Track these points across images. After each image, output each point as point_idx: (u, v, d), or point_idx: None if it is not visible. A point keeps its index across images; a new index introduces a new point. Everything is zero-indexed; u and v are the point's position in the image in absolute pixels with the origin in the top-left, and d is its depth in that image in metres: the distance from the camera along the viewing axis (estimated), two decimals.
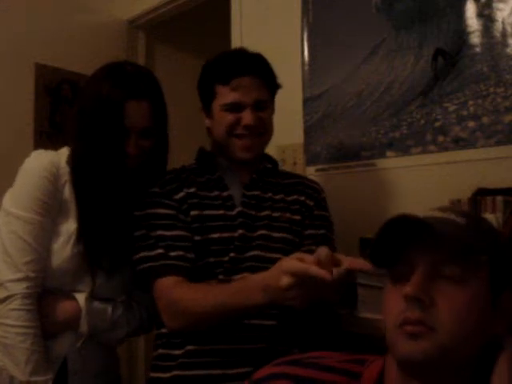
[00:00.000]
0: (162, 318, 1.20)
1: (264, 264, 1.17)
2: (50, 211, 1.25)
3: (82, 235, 1.26)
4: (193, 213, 1.23)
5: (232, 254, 1.21)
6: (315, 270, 0.92)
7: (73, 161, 1.29)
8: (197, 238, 1.21)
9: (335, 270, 0.92)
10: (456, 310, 0.68)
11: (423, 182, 1.52)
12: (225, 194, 1.27)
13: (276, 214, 1.28)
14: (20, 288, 1.21)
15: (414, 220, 0.71)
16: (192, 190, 1.26)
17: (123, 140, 1.24)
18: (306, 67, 1.84)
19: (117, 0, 2.62)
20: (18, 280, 1.22)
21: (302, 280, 0.94)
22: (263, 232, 1.24)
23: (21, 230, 1.24)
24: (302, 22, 1.85)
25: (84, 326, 1.28)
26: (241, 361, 1.17)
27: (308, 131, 1.83)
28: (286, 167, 1.80)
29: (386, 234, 0.74)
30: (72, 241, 1.27)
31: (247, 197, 1.28)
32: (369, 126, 1.65)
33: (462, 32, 1.45)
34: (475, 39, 1.43)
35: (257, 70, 1.27)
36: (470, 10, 1.44)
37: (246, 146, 1.27)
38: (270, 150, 1.85)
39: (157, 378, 1.24)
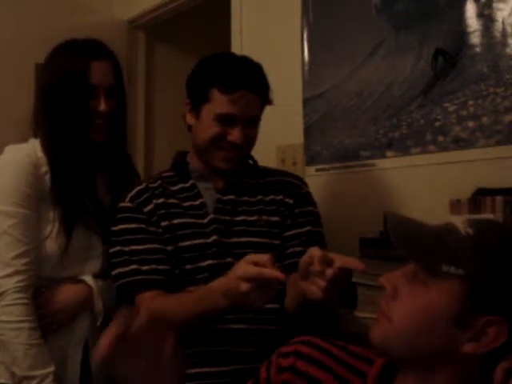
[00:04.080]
0: None
1: None
2: (33, 203, 1.26)
3: (57, 197, 1.28)
4: (163, 223, 1.23)
5: (209, 262, 1.21)
6: (268, 273, 0.95)
7: (46, 139, 1.31)
8: (169, 247, 1.22)
9: (329, 270, 0.93)
10: (407, 309, 0.71)
11: (423, 182, 1.52)
12: (197, 202, 1.26)
13: (252, 218, 1.26)
14: (11, 283, 1.21)
15: (400, 224, 0.75)
16: (161, 200, 1.25)
17: (88, 99, 1.28)
18: (306, 67, 1.84)
19: (117, 0, 2.62)
20: (8, 275, 1.22)
21: (259, 283, 0.97)
22: (238, 239, 1.24)
23: (5, 224, 1.24)
24: (302, 22, 1.85)
25: (99, 304, 1.31)
26: (234, 360, 1.18)
27: (308, 131, 1.83)
28: (286, 167, 1.80)
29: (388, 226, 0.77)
30: (58, 227, 1.28)
31: (222, 202, 1.27)
32: (369, 126, 1.65)
33: (462, 32, 1.45)
34: (475, 39, 1.43)
35: (259, 87, 1.24)
36: (470, 10, 1.44)
37: (227, 158, 1.25)
38: (270, 149, 1.86)
39: None
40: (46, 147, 1.30)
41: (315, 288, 0.95)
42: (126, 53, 2.65)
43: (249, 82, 1.21)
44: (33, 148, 1.31)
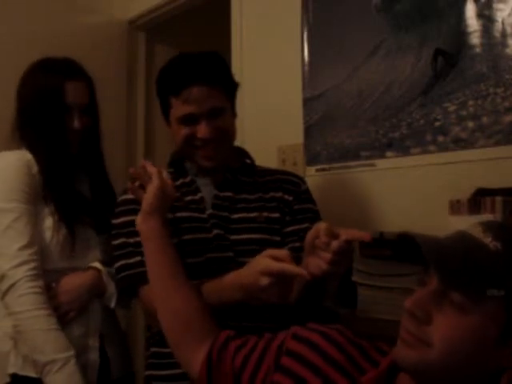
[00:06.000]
0: (149, 320, 1.22)
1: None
2: (31, 199, 1.32)
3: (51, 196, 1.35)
4: (167, 216, 1.22)
5: (211, 255, 1.22)
6: (292, 269, 0.95)
7: (32, 151, 1.37)
8: (174, 240, 1.22)
9: (335, 243, 0.93)
10: (449, 335, 0.69)
11: (423, 182, 1.52)
12: (197, 197, 1.28)
13: (252, 215, 1.27)
14: (21, 272, 1.25)
15: (428, 243, 0.72)
16: None
17: (64, 116, 1.36)
18: (306, 67, 1.84)
19: (117, 0, 2.62)
20: (17, 266, 1.25)
21: (280, 278, 0.97)
22: (238, 236, 1.24)
23: (7, 220, 1.28)
24: (302, 22, 1.85)
25: (111, 286, 1.35)
26: None
27: (308, 131, 1.83)
28: (285, 167, 1.80)
29: (407, 247, 0.75)
30: (57, 220, 1.34)
31: (219, 198, 1.27)
32: (369, 126, 1.65)
33: (461, 32, 1.45)
34: (475, 39, 1.43)
35: (206, 77, 1.20)
36: (470, 10, 1.44)
37: (207, 156, 1.25)
38: (270, 150, 1.86)
39: (151, 375, 1.26)
40: (34, 156, 1.37)
41: (320, 261, 0.96)
42: (126, 53, 2.65)
43: (191, 78, 1.20)
44: (22, 153, 1.38)
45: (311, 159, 1.82)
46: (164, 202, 1.11)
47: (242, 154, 1.37)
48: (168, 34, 2.81)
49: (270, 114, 1.90)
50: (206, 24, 2.83)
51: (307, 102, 1.84)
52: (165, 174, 1.13)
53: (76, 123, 1.37)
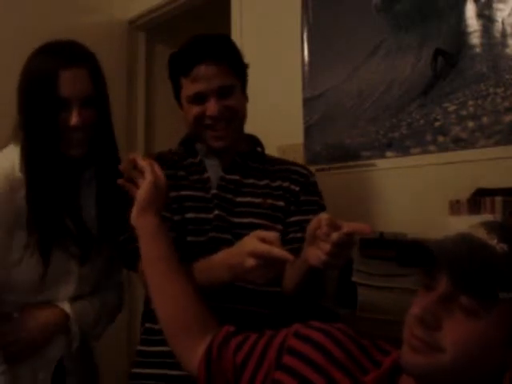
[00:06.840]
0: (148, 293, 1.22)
1: None
2: (3, 227, 1.17)
3: (32, 220, 1.17)
4: (172, 194, 1.24)
5: (210, 235, 1.22)
6: (278, 252, 0.95)
7: (22, 151, 1.19)
8: (176, 217, 1.23)
9: (335, 234, 0.93)
10: (461, 340, 0.68)
11: (423, 182, 1.52)
12: (204, 176, 1.28)
13: (257, 200, 1.27)
14: None
15: (435, 247, 0.71)
16: (171, 171, 1.26)
17: (58, 111, 1.15)
18: (306, 67, 1.84)
19: (117, 0, 2.62)
20: None
21: (266, 260, 0.97)
22: (241, 220, 1.24)
23: None
24: (302, 21, 1.85)
25: (75, 328, 1.28)
26: None
27: (308, 131, 1.83)
28: None
29: (414, 250, 0.75)
30: (31, 250, 1.19)
31: (225, 180, 1.28)
32: (369, 126, 1.65)
33: (461, 32, 1.45)
34: (475, 39, 1.43)
35: (215, 56, 1.22)
36: (470, 10, 1.44)
37: (217, 136, 1.26)
38: (271, 150, 1.86)
39: (143, 351, 1.26)
40: (22, 159, 1.19)
41: (320, 252, 0.96)
42: (126, 53, 2.66)
43: (200, 56, 1.21)
44: (12, 166, 1.20)
45: (311, 159, 1.82)
46: (158, 195, 1.08)
47: (254, 141, 1.37)
48: (168, 34, 2.81)
49: (270, 114, 1.90)
50: (206, 24, 2.82)
51: (307, 101, 1.84)
52: (156, 165, 1.11)
53: (73, 119, 1.14)
